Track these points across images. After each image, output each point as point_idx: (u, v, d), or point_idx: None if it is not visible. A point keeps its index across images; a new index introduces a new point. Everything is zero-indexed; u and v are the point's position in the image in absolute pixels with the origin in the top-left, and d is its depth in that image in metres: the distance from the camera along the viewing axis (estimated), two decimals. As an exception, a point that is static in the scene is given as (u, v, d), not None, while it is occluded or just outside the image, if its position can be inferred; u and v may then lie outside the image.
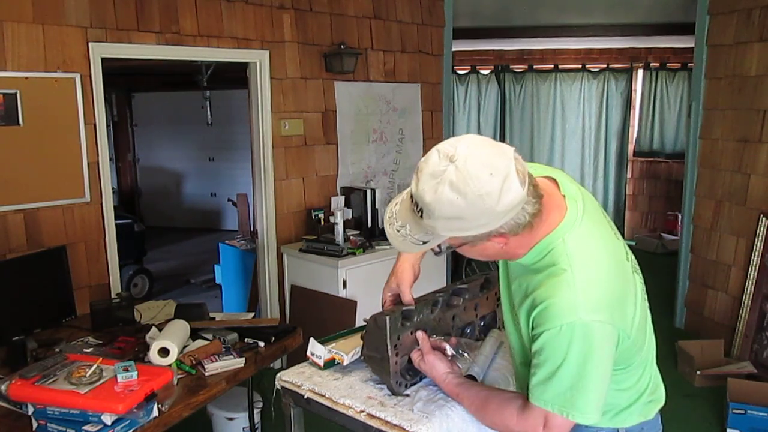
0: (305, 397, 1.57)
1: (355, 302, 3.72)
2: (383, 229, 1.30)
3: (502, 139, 8.20)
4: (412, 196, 1.18)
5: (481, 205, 1.11)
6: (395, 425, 1.40)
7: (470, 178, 1.10)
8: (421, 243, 1.22)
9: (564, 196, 1.29)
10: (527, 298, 1.26)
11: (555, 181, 1.32)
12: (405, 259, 1.65)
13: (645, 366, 1.39)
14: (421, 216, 1.16)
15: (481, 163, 1.11)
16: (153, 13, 3.42)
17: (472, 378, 1.53)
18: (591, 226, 1.28)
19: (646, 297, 1.37)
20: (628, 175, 8.07)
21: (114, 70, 4.92)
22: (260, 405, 3.09)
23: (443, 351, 1.53)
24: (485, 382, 1.56)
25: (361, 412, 1.46)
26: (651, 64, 7.80)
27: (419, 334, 1.52)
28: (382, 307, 1.64)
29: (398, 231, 1.23)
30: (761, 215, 4.06)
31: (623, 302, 1.24)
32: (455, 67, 7.42)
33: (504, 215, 1.14)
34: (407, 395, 1.52)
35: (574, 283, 1.18)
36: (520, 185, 1.12)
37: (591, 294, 1.18)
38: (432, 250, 1.27)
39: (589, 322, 1.16)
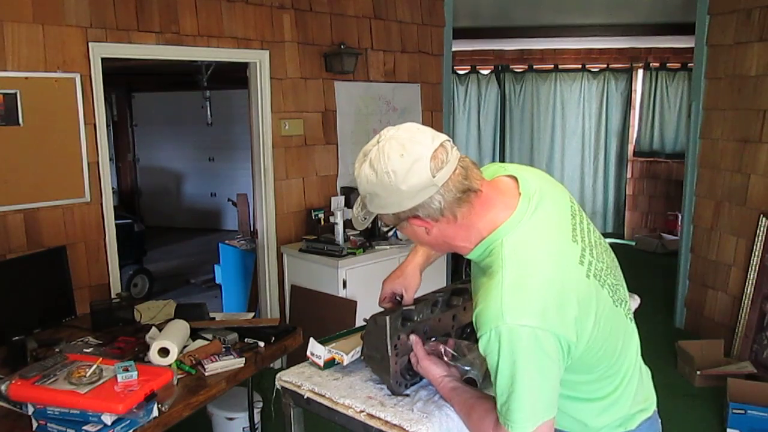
0: (305, 397, 1.57)
1: (355, 302, 3.72)
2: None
3: (502, 139, 8.22)
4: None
5: (388, 182, 1.18)
6: (395, 425, 1.40)
7: (383, 156, 1.19)
8: (363, 218, 1.30)
9: (521, 194, 1.27)
10: (473, 300, 1.29)
11: (517, 179, 1.30)
12: (415, 261, 1.65)
13: (624, 375, 1.35)
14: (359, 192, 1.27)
15: (398, 144, 1.19)
16: (153, 13, 3.42)
17: (471, 381, 1.53)
18: (539, 227, 1.24)
19: (621, 301, 1.33)
20: (628, 175, 8.07)
21: (114, 70, 4.92)
22: (260, 405, 3.09)
23: (439, 355, 1.53)
24: (484, 384, 1.56)
25: (361, 412, 1.46)
26: (651, 64, 7.80)
27: (413, 338, 1.51)
28: (380, 301, 1.65)
29: (356, 209, 1.33)
30: (761, 215, 4.06)
31: (563, 308, 1.17)
32: (455, 67, 7.42)
33: (411, 197, 1.19)
34: (407, 395, 1.52)
35: (502, 287, 1.16)
36: (430, 171, 1.17)
37: (519, 299, 1.15)
38: (384, 226, 1.34)
39: (514, 327, 1.13)
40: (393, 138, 1.20)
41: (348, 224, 4.10)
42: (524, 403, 1.16)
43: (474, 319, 1.21)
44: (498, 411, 1.21)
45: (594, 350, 1.25)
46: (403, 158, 1.17)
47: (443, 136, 1.22)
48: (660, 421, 1.48)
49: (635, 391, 1.39)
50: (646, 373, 1.48)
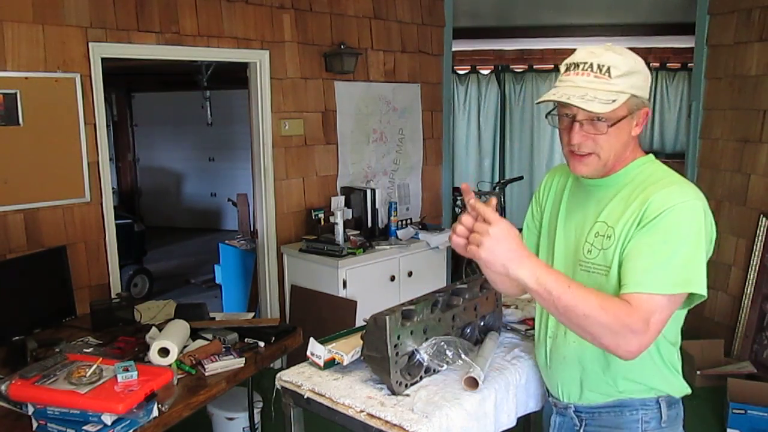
0: (305, 397, 1.57)
1: (355, 302, 3.72)
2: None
3: (502, 139, 8.21)
4: (592, 66, 1.34)
5: (641, 64, 1.36)
6: (395, 425, 1.40)
7: (626, 53, 1.37)
8: (611, 101, 1.31)
9: None
10: (634, 202, 1.36)
11: None
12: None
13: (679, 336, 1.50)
14: (609, 75, 1.33)
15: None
16: (153, 13, 3.42)
17: (473, 380, 1.53)
18: None
19: None
20: (628, 175, 8.06)
21: (114, 70, 4.92)
22: (260, 405, 3.09)
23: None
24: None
25: (361, 412, 1.46)
26: (651, 64, 7.79)
27: (463, 186, 1.30)
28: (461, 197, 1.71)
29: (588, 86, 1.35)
30: (761, 215, 4.06)
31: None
32: (455, 67, 7.41)
33: (647, 88, 1.39)
34: (407, 395, 1.52)
35: (679, 180, 1.37)
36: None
37: (696, 190, 1.35)
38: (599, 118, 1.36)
39: (705, 207, 1.33)
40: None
41: (348, 224, 4.10)
42: (702, 267, 1.35)
43: (649, 204, 1.32)
44: (665, 283, 1.29)
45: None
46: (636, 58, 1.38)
47: None
48: None
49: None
50: None
